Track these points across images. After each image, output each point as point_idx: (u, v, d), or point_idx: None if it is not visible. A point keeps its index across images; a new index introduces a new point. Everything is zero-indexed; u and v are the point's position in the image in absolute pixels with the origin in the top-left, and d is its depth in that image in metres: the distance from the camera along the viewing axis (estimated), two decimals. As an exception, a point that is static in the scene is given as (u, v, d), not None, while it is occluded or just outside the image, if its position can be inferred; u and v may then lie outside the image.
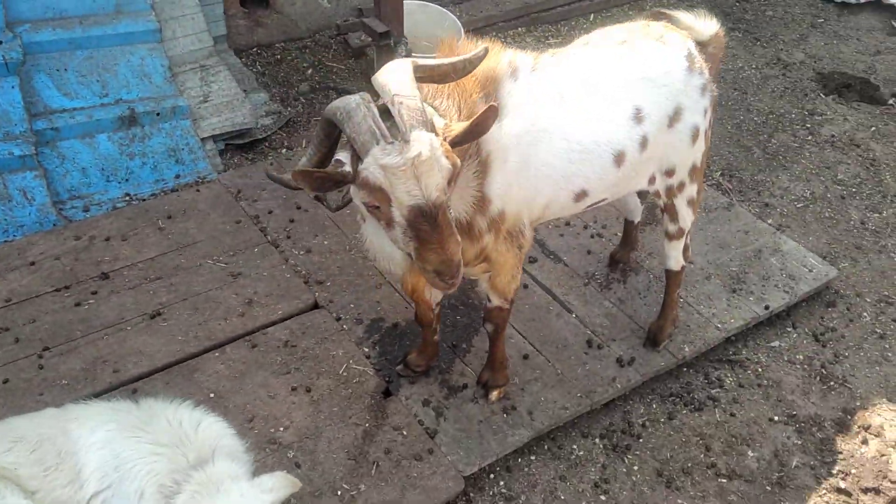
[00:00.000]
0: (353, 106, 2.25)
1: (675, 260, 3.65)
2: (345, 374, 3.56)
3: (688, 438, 3.58)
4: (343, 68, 6.01)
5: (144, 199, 4.56)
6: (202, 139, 4.93)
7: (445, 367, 3.65)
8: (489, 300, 3.22)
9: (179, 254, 4.11)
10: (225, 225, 4.29)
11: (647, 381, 3.71)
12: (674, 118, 3.10)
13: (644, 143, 3.02)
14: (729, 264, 4.29)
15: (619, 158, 2.97)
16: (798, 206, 4.98)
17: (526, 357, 3.71)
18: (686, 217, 3.49)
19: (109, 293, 3.85)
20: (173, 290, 3.90)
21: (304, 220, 4.38)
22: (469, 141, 2.37)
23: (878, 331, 4.16)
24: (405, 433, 3.34)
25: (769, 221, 4.74)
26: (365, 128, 2.22)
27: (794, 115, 5.81)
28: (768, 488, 3.41)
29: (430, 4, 5.90)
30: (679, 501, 3.34)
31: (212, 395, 3.44)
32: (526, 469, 3.41)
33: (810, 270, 4.27)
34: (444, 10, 5.96)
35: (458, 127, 2.34)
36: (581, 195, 3.01)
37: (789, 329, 4.13)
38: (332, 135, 2.39)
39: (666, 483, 3.40)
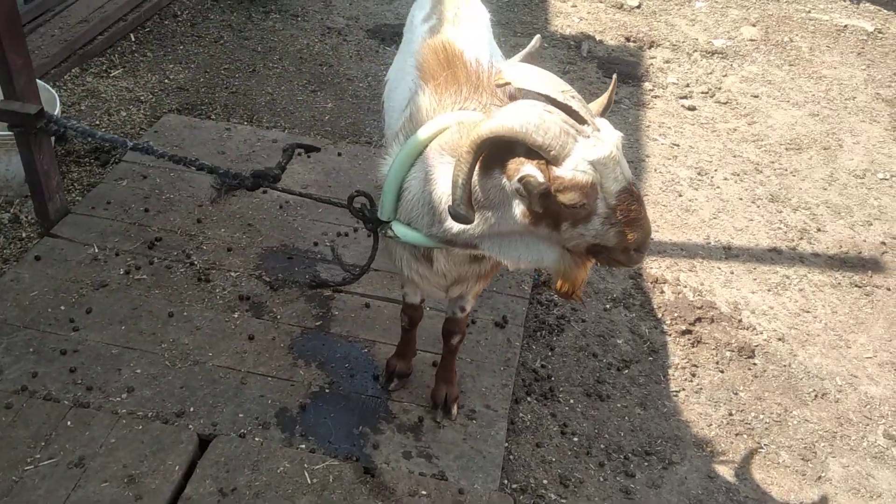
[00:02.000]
0: (533, 114, 2.14)
1: None
2: (315, 481, 3.10)
3: (577, 356, 4.02)
4: None
5: None
6: None
7: (385, 414, 3.42)
8: (462, 310, 3.14)
9: (-23, 484, 2.94)
10: (-5, 420, 3.16)
11: (520, 329, 4.00)
12: None
13: None
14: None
15: None
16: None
17: (435, 364, 3.66)
18: None
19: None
20: (25, 526, 2.82)
21: (51, 372, 3.45)
22: (606, 112, 2.37)
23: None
24: (424, 492, 3.11)
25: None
26: (557, 131, 2.13)
27: (383, 73, 6.29)
28: (651, 358, 4.07)
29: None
30: (617, 405, 3.80)
31: None
32: (511, 457, 3.48)
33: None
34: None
35: (597, 104, 2.33)
36: None
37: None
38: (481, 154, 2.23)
39: (598, 397, 3.81)
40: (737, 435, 3.74)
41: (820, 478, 3.60)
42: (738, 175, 5.61)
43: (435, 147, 2.55)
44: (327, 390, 3.48)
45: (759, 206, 5.32)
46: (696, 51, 7.21)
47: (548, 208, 2.25)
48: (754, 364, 4.12)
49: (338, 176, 4.80)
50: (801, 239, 5.07)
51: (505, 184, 2.29)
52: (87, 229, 4.14)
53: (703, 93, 6.58)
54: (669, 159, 5.70)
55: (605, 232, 2.26)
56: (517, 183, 2.21)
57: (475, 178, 2.33)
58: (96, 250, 4.02)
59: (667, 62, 6.99)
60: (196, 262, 4.04)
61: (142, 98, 5.61)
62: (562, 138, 2.15)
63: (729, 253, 4.86)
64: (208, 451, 3.15)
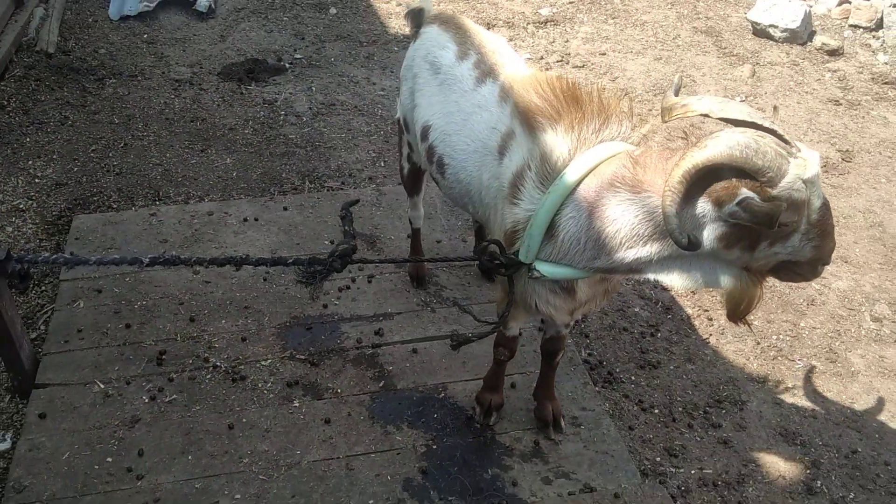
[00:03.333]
0: (748, 140, 2.22)
1: None
2: (486, 536, 3.03)
3: (612, 335, 4.20)
4: None
5: None
6: None
7: (502, 449, 3.39)
8: (567, 326, 3.19)
9: None
10: None
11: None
12: None
13: None
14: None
15: None
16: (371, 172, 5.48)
17: (514, 385, 3.68)
18: None
19: None
20: None
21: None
22: None
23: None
24: (586, 508, 3.15)
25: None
26: (772, 154, 2.22)
27: (262, 114, 6.01)
28: (669, 316, 4.34)
29: None
30: (671, 368, 4.03)
31: None
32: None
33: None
34: None
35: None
36: None
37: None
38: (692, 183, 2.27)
39: (652, 366, 4.02)
40: (774, 359, 4.11)
41: (852, 373, 4.07)
42: (632, 129, 6.00)
43: (597, 184, 2.55)
44: (434, 446, 3.38)
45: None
46: (529, 24, 7.55)
47: (751, 230, 2.32)
48: (748, 293, 4.51)
49: (298, 231, 4.57)
50: (714, 172, 5.56)
51: (706, 210, 2.33)
52: (76, 367, 3.64)
53: (558, 62, 6.93)
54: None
55: (802, 247, 2.36)
56: (734, 206, 2.26)
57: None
58: (102, 386, 3.56)
59: (511, 40, 7.25)
60: (219, 364, 3.70)
61: (21, 206, 4.94)
62: (777, 160, 2.23)
63: (669, 201, 5.22)
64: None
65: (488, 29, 7.16)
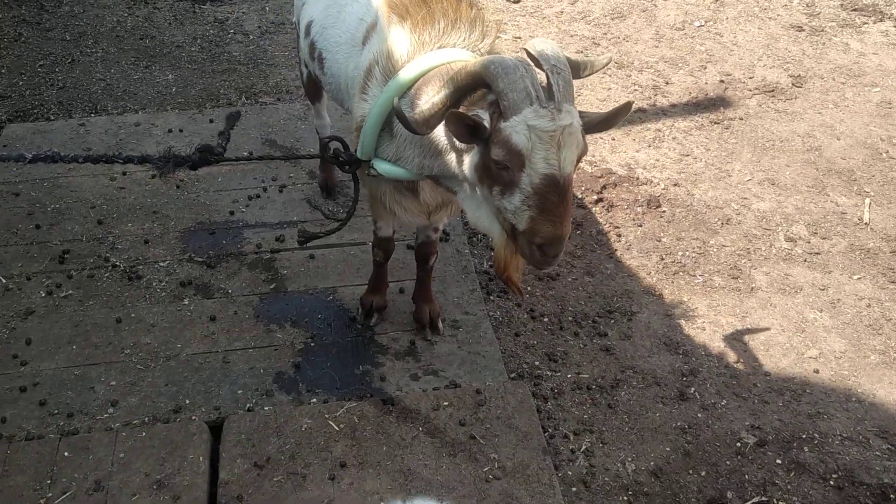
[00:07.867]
0: (510, 64, 2.18)
1: None
2: (342, 426, 3.14)
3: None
4: None
5: None
6: None
7: (378, 348, 3.48)
8: (435, 231, 3.23)
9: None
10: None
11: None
12: None
13: None
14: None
15: None
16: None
17: (402, 291, 3.75)
18: None
19: None
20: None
21: (20, 412, 3.24)
22: (601, 130, 2.40)
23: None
24: (446, 403, 3.24)
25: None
26: (521, 87, 2.18)
27: (210, 32, 6.04)
28: (578, 231, 4.35)
29: None
30: (568, 280, 4.07)
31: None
32: (501, 352, 3.67)
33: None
34: None
35: (595, 115, 2.35)
36: None
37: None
38: (467, 91, 2.29)
39: (550, 278, 4.06)
40: (674, 274, 4.13)
41: (752, 288, 4.07)
42: (582, 52, 5.95)
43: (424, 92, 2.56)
44: (312, 344, 3.48)
45: (610, 76, 5.70)
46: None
47: (485, 163, 2.31)
48: (664, 212, 4.52)
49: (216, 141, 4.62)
50: (656, 94, 5.52)
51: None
52: (-19, 263, 3.78)
53: (518, -15, 6.83)
54: (518, 52, 5.91)
55: (521, 213, 2.26)
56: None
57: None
58: (3, 280, 3.70)
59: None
60: (118, 263, 3.82)
61: (-38, 117, 5.07)
62: (519, 95, 2.17)
63: (603, 122, 5.19)
64: (225, 433, 3.09)
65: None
